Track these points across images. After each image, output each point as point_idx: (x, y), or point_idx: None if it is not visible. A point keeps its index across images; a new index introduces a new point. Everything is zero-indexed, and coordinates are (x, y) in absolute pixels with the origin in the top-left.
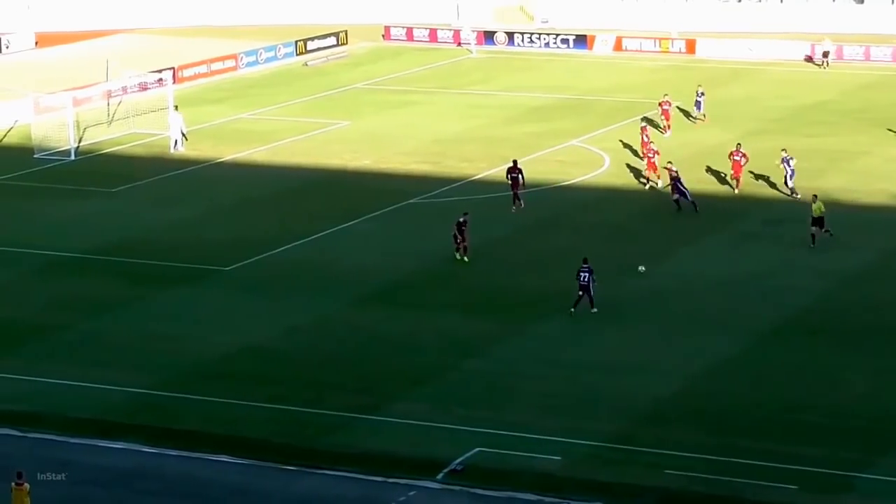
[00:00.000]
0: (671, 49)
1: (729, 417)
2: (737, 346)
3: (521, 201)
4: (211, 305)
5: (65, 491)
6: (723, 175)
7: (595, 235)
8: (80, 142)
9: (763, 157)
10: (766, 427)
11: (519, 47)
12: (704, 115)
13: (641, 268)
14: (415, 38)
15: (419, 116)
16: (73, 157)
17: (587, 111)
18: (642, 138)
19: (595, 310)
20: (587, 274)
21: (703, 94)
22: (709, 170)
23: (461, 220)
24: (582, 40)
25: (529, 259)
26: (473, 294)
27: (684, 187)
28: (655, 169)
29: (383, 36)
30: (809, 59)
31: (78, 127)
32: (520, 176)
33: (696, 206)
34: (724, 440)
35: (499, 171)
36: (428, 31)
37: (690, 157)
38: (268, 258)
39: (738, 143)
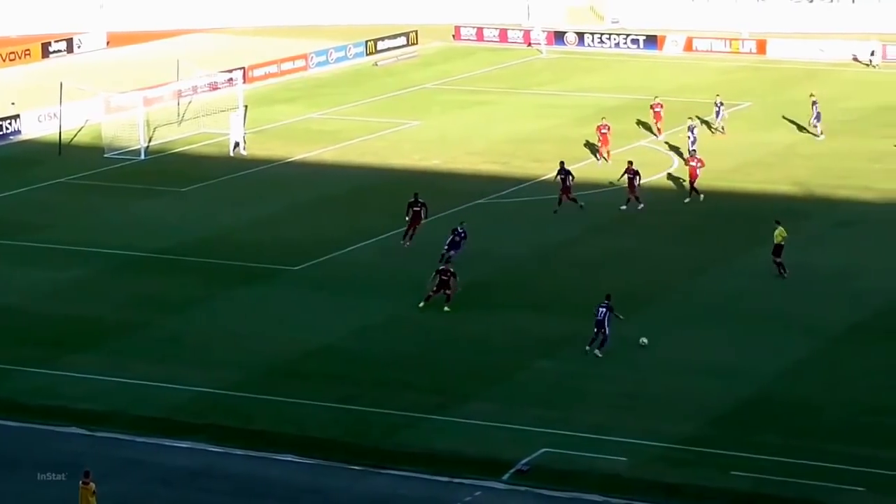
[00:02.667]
0: (742, 49)
1: (803, 419)
2: (812, 347)
3: (578, 202)
4: (281, 305)
5: (131, 490)
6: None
7: (665, 236)
8: (150, 141)
9: (834, 158)
10: (840, 429)
11: (589, 47)
12: (723, 128)
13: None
14: (485, 38)
15: (489, 116)
16: (143, 157)
17: (669, 111)
18: (602, 134)
19: (599, 354)
20: (605, 310)
21: (721, 104)
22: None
23: (442, 268)
24: (652, 40)
25: (600, 260)
26: (543, 294)
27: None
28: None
29: (453, 36)
30: (856, 59)
31: (148, 126)
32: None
33: (628, 203)
34: (798, 442)
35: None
36: (498, 31)
37: (761, 158)
38: (337, 258)
39: (694, 150)
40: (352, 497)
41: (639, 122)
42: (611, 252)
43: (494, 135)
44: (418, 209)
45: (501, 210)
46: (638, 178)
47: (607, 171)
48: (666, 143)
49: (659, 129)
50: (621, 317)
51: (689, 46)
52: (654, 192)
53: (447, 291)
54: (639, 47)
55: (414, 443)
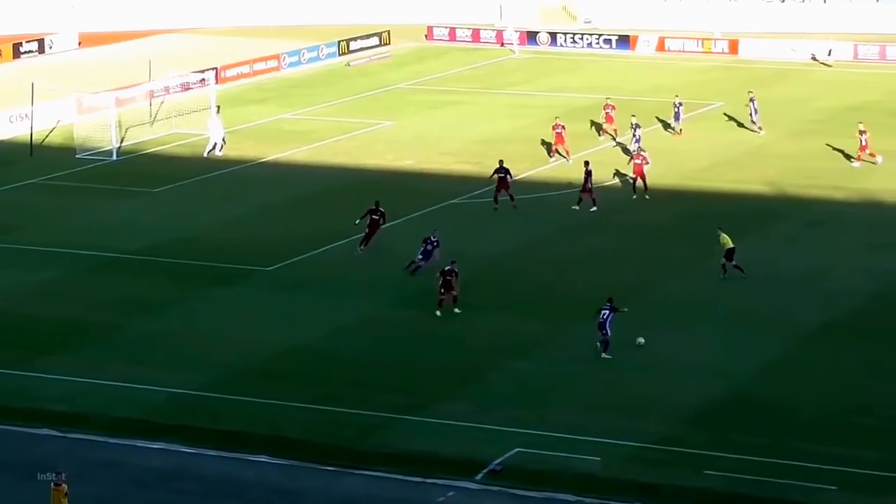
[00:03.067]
0: (714, 49)
1: (778, 419)
2: (786, 347)
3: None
4: (254, 306)
5: (104, 491)
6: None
7: (638, 236)
8: (122, 142)
9: (805, 158)
10: (814, 428)
11: (562, 47)
12: (681, 130)
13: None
14: (457, 39)
15: (462, 117)
16: (115, 158)
17: (629, 112)
18: (557, 134)
19: (607, 356)
20: (608, 312)
21: (680, 104)
22: (753, 170)
23: (447, 268)
24: (625, 41)
25: (574, 260)
26: (518, 294)
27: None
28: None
29: (426, 36)
30: (814, 58)
31: (120, 127)
32: (507, 176)
33: (595, 203)
34: (771, 441)
35: (541, 171)
36: (471, 31)
37: (733, 158)
38: (310, 258)
39: (639, 148)
40: (325, 498)
41: (592, 123)
42: (585, 252)
43: (468, 135)
44: (377, 217)
45: (475, 210)
46: (590, 178)
47: (568, 170)
48: (616, 141)
49: (615, 131)
50: (626, 309)
51: (661, 46)
52: (626, 191)
53: (453, 293)
54: (611, 47)
55: (388, 443)
